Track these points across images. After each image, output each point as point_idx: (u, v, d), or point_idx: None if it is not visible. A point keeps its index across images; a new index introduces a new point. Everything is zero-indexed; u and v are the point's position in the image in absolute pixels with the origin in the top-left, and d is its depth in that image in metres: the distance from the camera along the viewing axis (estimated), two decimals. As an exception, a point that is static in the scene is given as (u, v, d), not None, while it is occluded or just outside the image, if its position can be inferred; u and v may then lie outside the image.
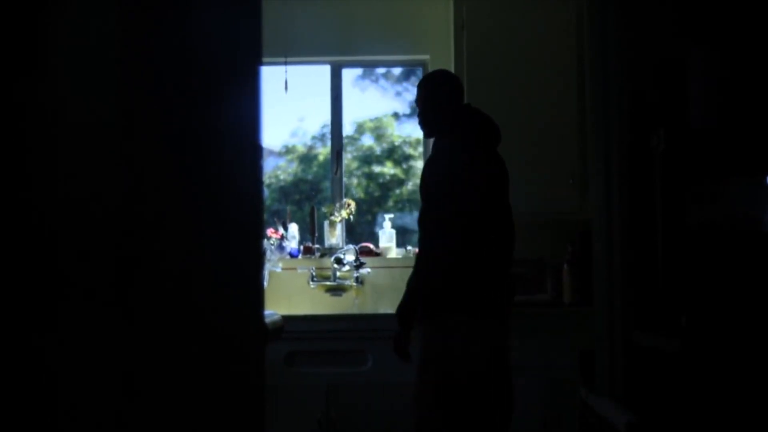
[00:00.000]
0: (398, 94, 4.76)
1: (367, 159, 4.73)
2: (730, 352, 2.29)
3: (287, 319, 3.37)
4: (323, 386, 3.71)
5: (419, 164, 4.64)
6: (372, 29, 4.47)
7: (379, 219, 4.57)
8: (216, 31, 0.99)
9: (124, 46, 0.92)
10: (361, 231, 4.63)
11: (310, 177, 4.77)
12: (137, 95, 0.93)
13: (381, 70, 4.73)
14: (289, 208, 4.55)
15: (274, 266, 4.26)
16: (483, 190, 2.97)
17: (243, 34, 1.02)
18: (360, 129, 4.73)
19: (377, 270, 4.32)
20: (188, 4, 0.98)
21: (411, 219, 4.59)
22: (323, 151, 4.69)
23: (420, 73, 4.56)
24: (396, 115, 4.74)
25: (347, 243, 4.41)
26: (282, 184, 4.79)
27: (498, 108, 3.56)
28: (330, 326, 3.81)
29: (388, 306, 4.28)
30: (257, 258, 1.05)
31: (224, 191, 0.99)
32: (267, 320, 2.95)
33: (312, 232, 4.38)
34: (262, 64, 1.05)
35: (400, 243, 4.44)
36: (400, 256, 4.37)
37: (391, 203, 4.73)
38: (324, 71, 4.58)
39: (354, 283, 4.31)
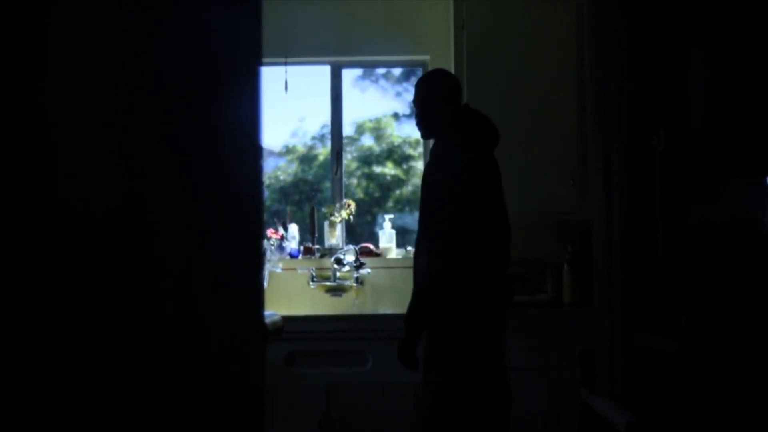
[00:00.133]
0: (398, 94, 4.76)
1: (367, 159, 4.73)
2: (730, 352, 2.29)
3: (287, 320, 3.37)
4: (323, 386, 3.71)
5: (419, 165, 4.64)
6: (372, 29, 4.47)
7: (379, 219, 4.57)
8: (216, 31, 0.99)
9: (124, 46, 0.92)
10: (361, 231, 4.63)
11: (310, 177, 4.77)
12: (137, 95, 0.93)
13: (381, 71, 4.73)
14: (289, 208, 4.55)
15: (274, 267, 4.26)
16: (484, 190, 2.97)
17: (243, 34, 1.02)
18: (360, 129, 4.73)
19: (377, 270, 4.32)
20: (188, 4, 0.97)
21: (411, 219, 4.58)
22: (323, 152, 4.69)
23: (420, 73, 4.56)
24: (396, 116, 4.75)
25: (347, 243, 4.41)
26: (282, 184, 4.79)
27: (498, 108, 3.56)
28: (330, 326, 3.81)
29: (388, 306, 4.28)
30: (257, 258, 1.05)
31: (224, 191, 0.99)
32: (267, 320, 2.95)
33: (312, 232, 4.38)
34: (262, 64, 1.05)
35: (400, 243, 4.44)
36: (400, 257, 4.37)
37: (391, 204, 4.73)
38: (324, 71, 4.58)
39: (354, 284, 4.31)
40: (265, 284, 4.17)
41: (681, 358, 2.33)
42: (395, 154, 4.74)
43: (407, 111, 4.69)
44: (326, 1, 4.44)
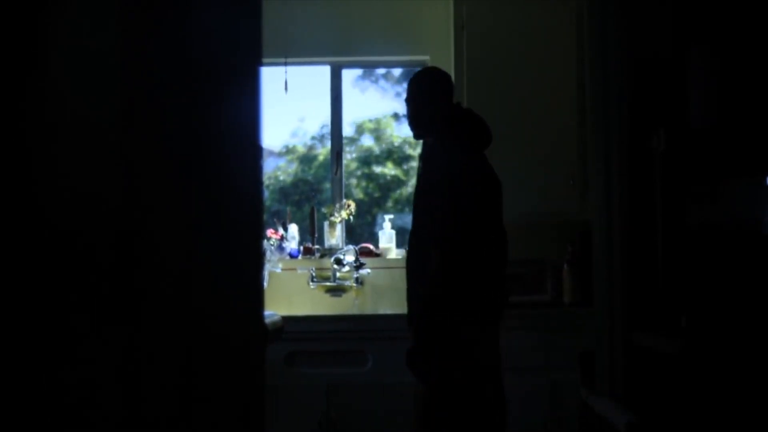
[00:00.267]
0: (398, 94, 4.76)
1: (367, 159, 4.73)
2: (729, 353, 2.29)
3: (287, 320, 3.37)
4: (323, 386, 3.71)
5: (419, 165, 4.64)
6: (372, 29, 4.48)
7: (378, 220, 4.58)
8: (216, 31, 0.99)
9: (124, 46, 0.92)
10: (360, 232, 4.63)
11: (310, 177, 4.77)
12: (137, 95, 0.93)
13: (381, 71, 4.73)
14: (289, 208, 4.55)
15: (274, 267, 4.26)
16: (480, 190, 2.96)
17: (243, 34, 1.02)
18: (360, 129, 4.73)
19: (377, 270, 4.32)
20: (188, 4, 0.97)
21: (411, 220, 4.58)
22: (323, 152, 4.69)
23: (418, 73, 4.56)
24: (396, 116, 4.75)
25: (347, 243, 4.42)
26: (282, 184, 4.79)
27: (498, 108, 3.57)
28: (330, 327, 3.82)
29: (388, 306, 4.28)
30: (257, 258, 1.05)
31: (224, 191, 0.99)
32: (267, 321, 2.95)
33: (312, 232, 4.38)
34: (262, 64, 1.05)
35: (400, 243, 4.44)
36: (399, 257, 4.37)
37: (390, 204, 4.73)
38: (324, 72, 4.58)
39: (354, 284, 4.31)
40: (265, 284, 4.17)
41: (681, 359, 2.33)
42: (395, 155, 4.74)
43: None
44: (326, 1, 4.44)
